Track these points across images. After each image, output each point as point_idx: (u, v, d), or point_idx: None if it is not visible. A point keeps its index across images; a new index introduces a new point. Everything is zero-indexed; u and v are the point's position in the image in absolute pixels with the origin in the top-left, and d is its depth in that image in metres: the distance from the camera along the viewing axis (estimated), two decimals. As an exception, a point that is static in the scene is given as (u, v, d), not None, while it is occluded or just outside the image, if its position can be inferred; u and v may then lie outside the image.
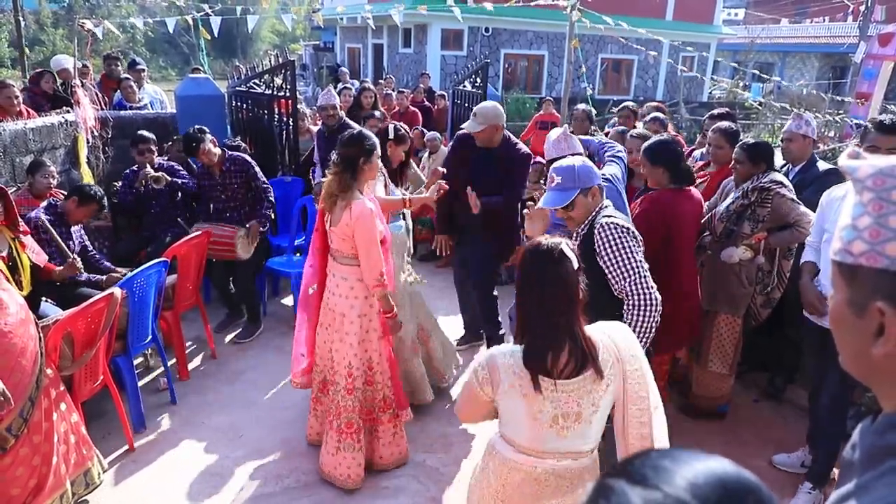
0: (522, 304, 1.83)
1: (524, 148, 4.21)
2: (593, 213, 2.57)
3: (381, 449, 3.32)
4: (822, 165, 3.79)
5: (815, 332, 3.11)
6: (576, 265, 1.78)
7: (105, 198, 4.06)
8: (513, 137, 4.19)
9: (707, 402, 3.84)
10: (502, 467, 1.95)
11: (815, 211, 3.28)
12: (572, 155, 3.06)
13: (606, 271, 2.47)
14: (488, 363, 1.83)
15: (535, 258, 1.80)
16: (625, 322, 2.39)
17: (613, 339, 1.86)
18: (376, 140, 3.12)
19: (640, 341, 2.31)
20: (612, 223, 2.46)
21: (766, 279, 3.69)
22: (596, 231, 2.48)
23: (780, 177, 3.46)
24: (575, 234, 2.61)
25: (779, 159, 3.85)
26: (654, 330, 2.43)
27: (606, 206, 2.60)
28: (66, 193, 4.14)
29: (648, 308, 2.40)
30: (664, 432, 1.90)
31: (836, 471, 3.12)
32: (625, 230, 2.45)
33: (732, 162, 3.62)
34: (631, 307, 2.42)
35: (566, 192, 2.51)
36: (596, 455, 1.96)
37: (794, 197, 3.39)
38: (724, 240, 3.54)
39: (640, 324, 2.40)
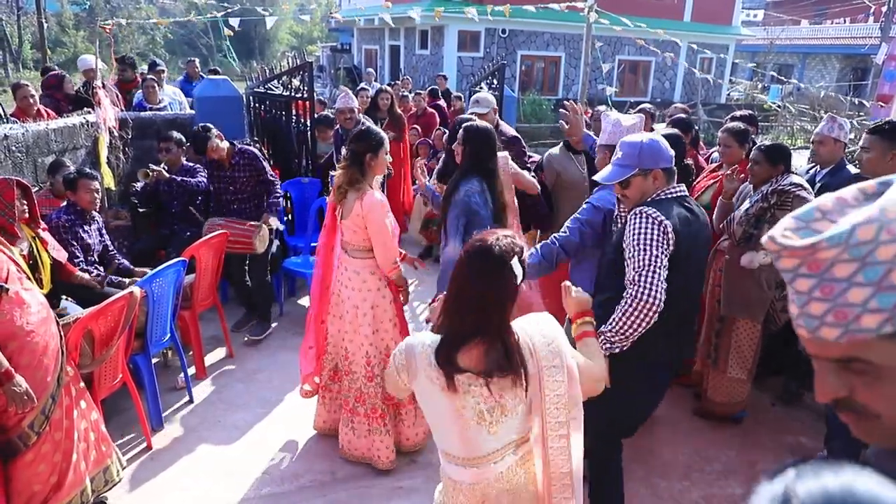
0: (453, 296, 1.74)
1: (511, 131, 4.64)
2: (651, 197, 2.41)
3: (407, 430, 3.43)
4: (853, 169, 3.72)
5: None
6: (519, 279, 1.68)
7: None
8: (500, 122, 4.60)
9: (723, 408, 3.79)
10: (449, 487, 1.89)
11: None
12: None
13: (626, 258, 2.33)
14: (406, 351, 1.76)
15: (480, 256, 1.68)
16: (618, 308, 2.25)
17: (530, 332, 1.75)
18: (384, 136, 3.23)
19: (622, 333, 2.21)
20: (648, 212, 2.30)
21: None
22: (631, 215, 2.37)
23: (799, 179, 3.42)
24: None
25: (799, 161, 3.81)
26: (640, 328, 2.23)
27: (670, 195, 2.39)
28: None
29: (643, 303, 2.20)
30: (580, 452, 1.78)
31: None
32: (657, 222, 2.27)
33: (750, 164, 3.58)
34: (627, 296, 2.24)
35: (623, 169, 2.39)
36: (533, 434, 1.79)
37: (814, 199, 3.35)
38: (742, 244, 3.50)
39: (627, 314, 2.22)
